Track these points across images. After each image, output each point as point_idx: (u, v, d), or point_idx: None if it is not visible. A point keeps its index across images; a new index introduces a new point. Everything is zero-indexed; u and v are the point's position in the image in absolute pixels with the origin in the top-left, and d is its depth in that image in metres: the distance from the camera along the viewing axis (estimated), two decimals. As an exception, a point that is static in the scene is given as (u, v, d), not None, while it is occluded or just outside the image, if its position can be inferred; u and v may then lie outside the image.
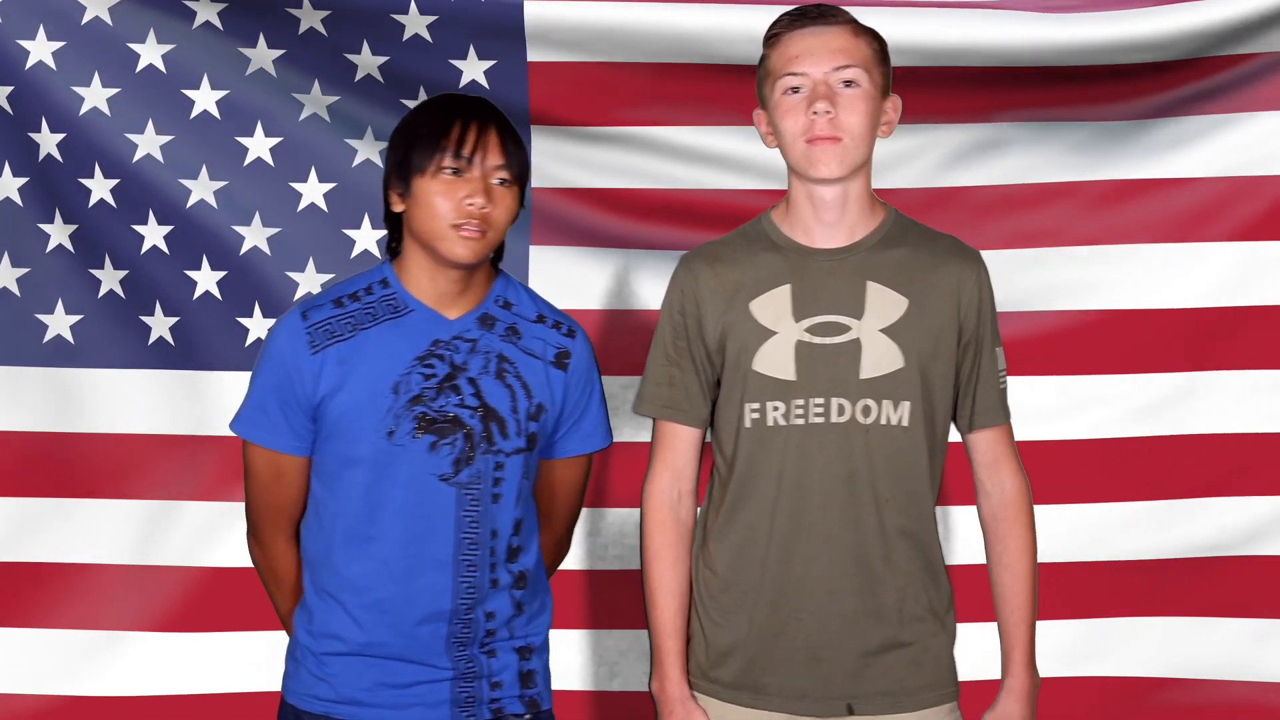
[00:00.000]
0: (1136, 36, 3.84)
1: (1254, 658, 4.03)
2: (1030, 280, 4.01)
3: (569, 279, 4.04)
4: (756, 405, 2.92)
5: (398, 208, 2.98)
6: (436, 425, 2.93)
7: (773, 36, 2.98)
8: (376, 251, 4.04)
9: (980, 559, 3.17)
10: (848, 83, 2.88)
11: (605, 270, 4.06)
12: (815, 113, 2.86)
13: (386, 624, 2.94)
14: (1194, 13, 3.82)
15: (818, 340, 2.90)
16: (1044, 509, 3.46)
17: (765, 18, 3.85)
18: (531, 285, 3.92)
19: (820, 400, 2.89)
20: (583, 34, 3.91)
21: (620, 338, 4.08)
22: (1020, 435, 3.17)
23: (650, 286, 4.06)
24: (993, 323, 3.01)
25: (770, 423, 2.91)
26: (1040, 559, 3.12)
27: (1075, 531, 4.02)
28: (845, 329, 2.91)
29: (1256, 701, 4.04)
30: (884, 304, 2.91)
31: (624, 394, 4.03)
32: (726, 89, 3.95)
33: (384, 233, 4.02)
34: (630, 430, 3.94)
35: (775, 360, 2.91)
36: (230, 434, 4.03)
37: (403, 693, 2.95)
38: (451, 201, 2.90)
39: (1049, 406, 4.01)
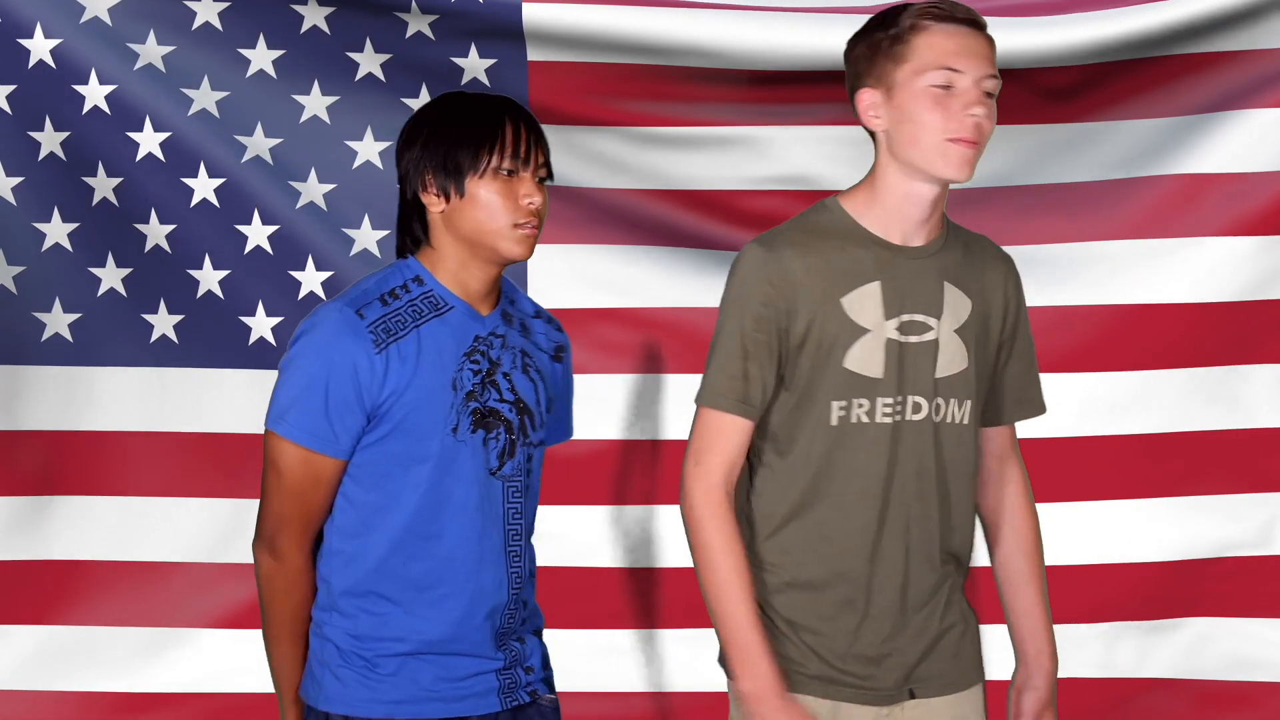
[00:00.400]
0: (1151, 30, 3.90)
1: (1258, 658, 4.08)
2: (1048, 278, 4.05)
3: (569, 276, 4.07)
4: (843, 402, 2.91)
5: (437, 208, 2.97)
6: (485, 420, 2.95)
7: (915, 25, 2.89)
8: (376, 251, 4.03)
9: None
10: (988, 92, 2.87)
11: (605, 268, 4.09)
12: (971, 115, 2.83)
13: (453, 620, 2.94)
14: (1209, 2, 3.88)
15: (905, 339, 2.93)
16: (1059, 507, 3.47)
17: (762, 22, 3.95)
18: (531, 282, 3.96)
19: (902, 398, 2.92)
20: (580, 35, 3.95)
21: (619, 335, 4.11)
22: (1038, 433, 3.19)
23: (650, 283, 4.09)
24: (1027, 320, 3.07)
25: (854, 420, 2.92)
26: (1053, 559, 3.13)
27: (1087, 530, 4.04)
28: (928, 328, 2.92)
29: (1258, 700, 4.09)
30: (957, 304, 2.95)
31: (619, 392, 4.07)
32: (726, 90, 4.00)
33: (384, 233, 4.03)
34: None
35: (866, 358, 2.90)
36: (228, 431, 4.09)
37: (459, 685, 2.96)
38: (511, 201, 2.91)
39: (1070, 403, 4.03)
